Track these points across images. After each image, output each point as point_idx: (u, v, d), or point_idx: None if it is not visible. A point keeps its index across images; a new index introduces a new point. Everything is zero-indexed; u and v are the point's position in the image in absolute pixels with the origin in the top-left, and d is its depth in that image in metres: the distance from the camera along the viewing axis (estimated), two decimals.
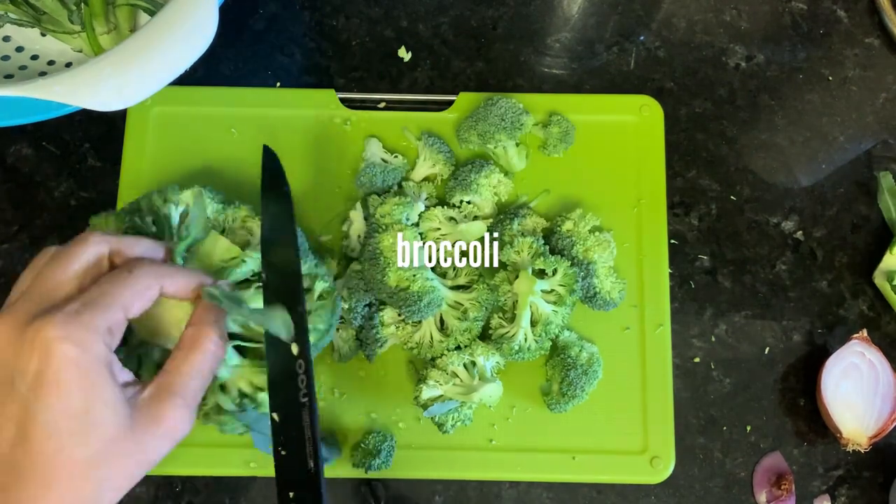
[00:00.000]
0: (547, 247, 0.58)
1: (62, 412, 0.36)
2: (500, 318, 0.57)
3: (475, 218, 0.61)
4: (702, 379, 0.61)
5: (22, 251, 0.63)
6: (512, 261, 0.58)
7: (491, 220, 0.61)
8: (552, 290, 0.57)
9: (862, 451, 0.57)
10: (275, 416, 0.44)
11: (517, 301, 0.56)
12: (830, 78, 0.68)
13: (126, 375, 0.40)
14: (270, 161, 0.52)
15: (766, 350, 0.62)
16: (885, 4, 0.68)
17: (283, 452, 0.44)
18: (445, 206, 0.61)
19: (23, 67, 0.61)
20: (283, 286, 0.46)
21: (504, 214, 0.61)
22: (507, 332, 0.56)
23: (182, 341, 0.42)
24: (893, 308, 0.62)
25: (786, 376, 0.61)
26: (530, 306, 0.56)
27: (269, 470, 0.56)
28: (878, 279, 0.62)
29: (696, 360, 0.61)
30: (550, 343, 0.57)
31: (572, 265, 0.57)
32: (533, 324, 0.56)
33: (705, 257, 0.64)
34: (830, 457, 0.60)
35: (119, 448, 0.37)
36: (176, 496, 0.58)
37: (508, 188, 0.62)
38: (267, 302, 0.46)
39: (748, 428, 0.60)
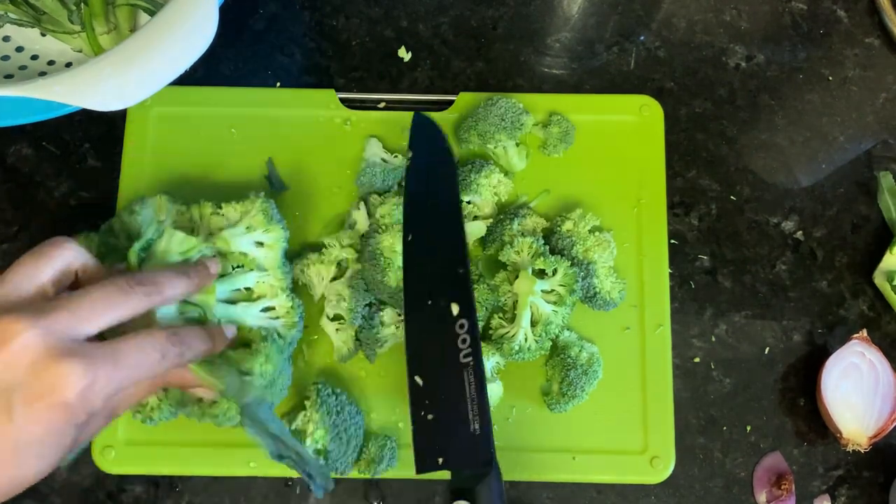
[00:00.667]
0: (547, 247, 0.58)
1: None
2: (500, 318, 0.57)
3: (475, 218, 0.61)
4: (702, 379, 0.61)
5: (22, 251, 0.62)
6: (512, 261, 0.58)
7: (491, 220, 0.61)
8: (552, 290, 0.57)
9: (862, 451, 0.57)
10: (418, 379, 0.43)
11: (517, 301, 0.56)
12: (830, 78, 0.68)
13: None
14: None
15: (766, 350, 0.62)
16: (885, 4, 0.68)
17: (429, 417, 0.42)
18: None
19: (23, 67, 0.61)
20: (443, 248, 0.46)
21: (504, 214, 0.61)
22: (507, 332, 0.56)
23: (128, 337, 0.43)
24: (893, 308, 0.62)
25: (786, 376, 0.61)
26: (530, 306, 0.56)
27: (268, 470, 0.57)
28: (878, 279, 0.62)
29: (696, 360, 0.61)
30: (550, 343, 0.57)
31: (572, 265, 0.57)
32: (533, 324, 0.56)
33: (705, 257, 0.64)
34: (830, 457, 0.60)
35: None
36: (176, 496, 0.58)
37: (508, 188, 0.62)
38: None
39: (748, 428, 0.60)
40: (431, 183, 0.47)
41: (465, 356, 0.43)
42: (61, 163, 0.65)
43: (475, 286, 0.58)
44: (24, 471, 0.38)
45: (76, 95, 0.46)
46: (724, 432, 0.60)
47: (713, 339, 0.62)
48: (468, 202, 0.61)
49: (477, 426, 0.42)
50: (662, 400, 0.59)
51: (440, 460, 0.41)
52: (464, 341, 0.43)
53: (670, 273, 0.62)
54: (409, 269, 0.44)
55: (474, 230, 0.60)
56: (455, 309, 0.44)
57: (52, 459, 0.39)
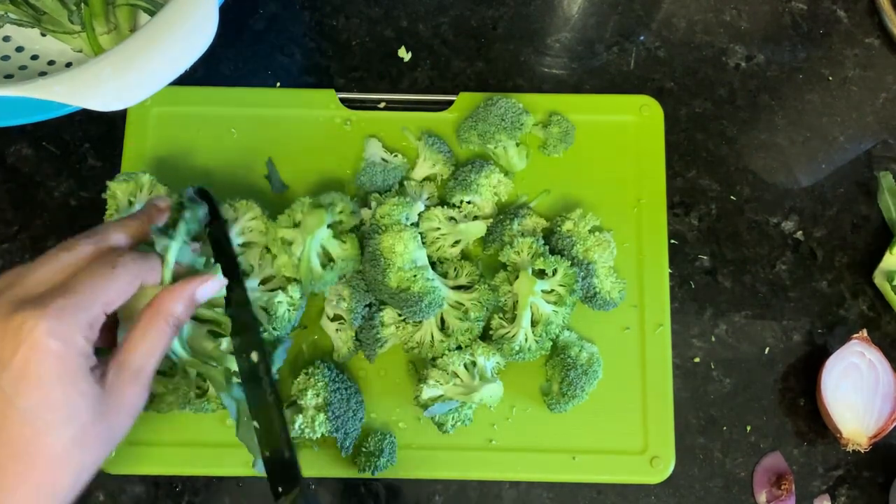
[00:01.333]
0: (547, 247, 0.58)
1: (41, 404, 0.37)
2: (500, 318, 0.57)
3: (475, 218, 0.61)
4: (702, 379, 0.61)
5: (22, 251, 0.63)
6: (512, 261, 0.58)
7: (491, 220, 0.61)
8: (552, 291, 0.57)
9: (862, 451, 0.57)
10: (255, 424, 0.47)
11: (517, 301, 0.56)
12: (830, 78, 0.68)
13: (93, 360, 0.41)
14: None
15: (766, 350, 0.62)
16: (885, 4, 0.68)
17: (266, 453, 0.47)
18: (446, 206, 0.61)
19: (23, 67, 0.61)
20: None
21: (504, 214, 0.61)
22: (507, 333, 0.56)
23: (140, 320, 0.43)
24: (893, 308, 0.62)
25: (786, 376, 0.61)
26: (531, 307, 0.56)
27: None
28: (878, 279, 0.62)
29: (696, 360, 0.61)
30: (551, 343, 0.57)
31: (572, 265, 0.57)
32: (533, 324, 0.56)
33: (705, 257, 0.64)
34: (830, 457, 0.60)
35: (92, 433, 0.39)
36: (176, 496, 0.58)
37: (508, 188, 0.62)
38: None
39: (748, 428, 0.60)
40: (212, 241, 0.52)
41: (269, 395, 0.47)
42: (61, 163, 0.65)
43: (476, 286, 0.58)
44: (64, 438, 0.37)
45: (76, 95, 0.46)
46: (724, 432, 0.60)
47: (713, 339, 0.62)
48: (468, 202, 0.61)
49: (287, 452, 0.46)
50: (662, 400, 0.59)
51: (280, 489, 0.46)
52: (268, 383, 0.48)
53: (670, 273, 0.62)
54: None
55: (474, 230, 0.60)
56: (255, 356, 0.48)
57: (91, 414, 0.38)
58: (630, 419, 0.58)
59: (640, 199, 0.63)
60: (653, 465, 0.58)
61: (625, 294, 0.60)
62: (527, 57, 0.68)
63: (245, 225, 0.57)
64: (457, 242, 0.60)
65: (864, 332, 0.59)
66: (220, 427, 0.57)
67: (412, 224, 0.58)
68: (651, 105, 0.65)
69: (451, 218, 0.60)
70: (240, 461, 0.57)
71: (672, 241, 0.64)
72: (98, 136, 0.65)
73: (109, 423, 0.40)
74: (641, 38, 0.69)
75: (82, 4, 0.60)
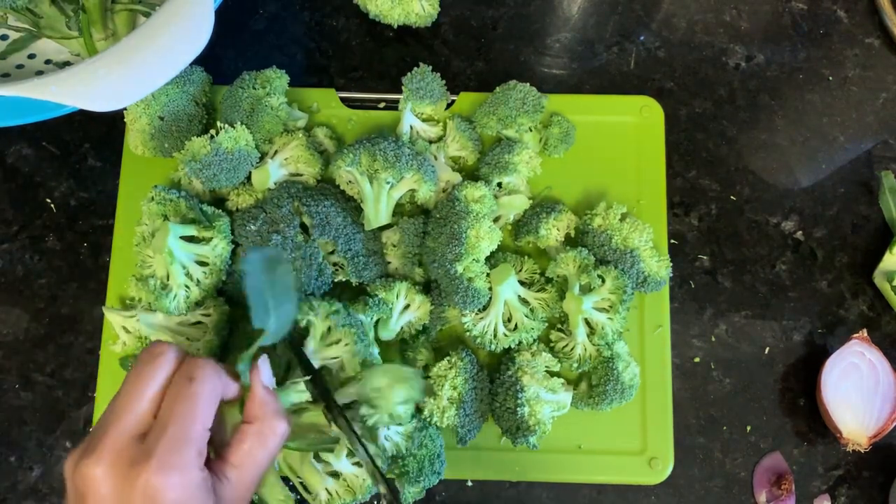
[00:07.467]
0: (593, 257, 0.58)
1: None
2: (559, 329, 0.58)
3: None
4: (702, 379, 0.61)
5: (22, 251, 0.63)
6: (559, 275, 0.58)
7: (532, 199, 0.61)
8: (604, 298, 0.57)
9: (862, 451, 0.57)
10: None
11: (569, 318, 0.57)
12: (830, 78, 0.68)
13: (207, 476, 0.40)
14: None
15: (766, 350, 0.62)
16: (885, 4, 0.68)
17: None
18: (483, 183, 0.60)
19: (20, 66, 0.61)
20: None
21: (540, 207, 0.61)
22: (566, 346, 0.57)
23: (245, 434, 0.42)
24: (893, 308, 0.62)
25: (786, 376, 0.61)
26: (584, 320, 0.56)
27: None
28: (878, 279, 0.62)
29: (696, 360, 0.61)
30: (609, 349, 0.57)
31: (617, 267, 0.57)
32: (591, 332, 0.56)
33: (705, 257, 0.64)
34: (830, 457, 0.60)
35: None
36: None
37: (538, 163, 0.62)
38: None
39: (748, 428, 0.60)
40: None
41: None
42: (61, 163, 0.65)
43: (545, 287, 0.59)
44: None
45: (71, 96, 0.46)
46: (724, 432, 0.60)
47: (713, 339, 0.62)
48: (509, 182, 0.61)
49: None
50: (661, 401, 0.59)
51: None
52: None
53: (670, 273, 0.62)
54: None
55: (518, 203, 0.60)
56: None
57: None
58: (629, 420, 0.58)
59: (640, 199, 0.63)
60: (651, 466, 0.58)
61: (671, 269, 0.59)
62: (527, 57, 0.68)
63: None
64: (496, 219, 0.60)
65: (864, 332, 0.59)
66: None
67: (494, 217, 0.58)
68: (651, 105, 0.65)
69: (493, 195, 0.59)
70: None
71: (672, 241, 0.64)
72: (98, 136, 0.65)
73: None
74: (641, 38, 0.69)
75: (80, 11, 0.60)
